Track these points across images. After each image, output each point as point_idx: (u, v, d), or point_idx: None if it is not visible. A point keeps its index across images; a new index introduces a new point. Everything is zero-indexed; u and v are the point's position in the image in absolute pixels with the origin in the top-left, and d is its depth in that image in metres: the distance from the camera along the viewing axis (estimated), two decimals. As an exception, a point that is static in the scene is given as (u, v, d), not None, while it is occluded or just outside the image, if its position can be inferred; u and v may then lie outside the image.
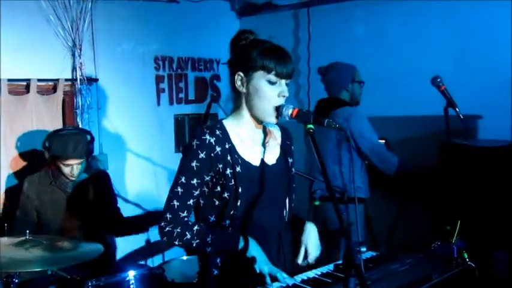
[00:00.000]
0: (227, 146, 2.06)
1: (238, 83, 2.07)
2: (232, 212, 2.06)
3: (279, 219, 2.22)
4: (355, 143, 3.54)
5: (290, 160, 2.27)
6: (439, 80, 2.88)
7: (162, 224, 2.04)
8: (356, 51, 4.34)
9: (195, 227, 2.04)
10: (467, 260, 2.19)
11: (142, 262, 4.14)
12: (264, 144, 2.18)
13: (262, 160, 2.14)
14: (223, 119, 2.18)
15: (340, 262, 2.11)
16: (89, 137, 3.37)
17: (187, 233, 2.02)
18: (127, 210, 4.41)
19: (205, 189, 2.09)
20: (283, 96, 2.06)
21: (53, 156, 3.26)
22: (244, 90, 2.07)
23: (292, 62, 2.09)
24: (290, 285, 1.98)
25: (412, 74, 4.04)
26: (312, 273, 2.09)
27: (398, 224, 3.97)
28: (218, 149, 2.04)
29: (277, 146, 2.23)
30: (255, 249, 2.05)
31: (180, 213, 2.03)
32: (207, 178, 2.05)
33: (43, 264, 2.42)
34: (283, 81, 2.07)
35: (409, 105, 4.01)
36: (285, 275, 2.02)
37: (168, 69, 4.77)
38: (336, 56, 4.38)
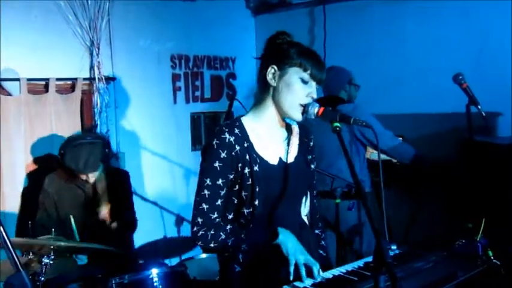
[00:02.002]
0: (246, 145, 2.06)
1: (270, 75, 2.07)
2: (249, 211, 2.06)
3: (299, 217, 2.22)
4: (362, 135, 3.55)
5: (309, 157, 2.26)
6: (461, 77, 2.87)
7: (195, 229, 2.03)
8: (373, 48, 4.34)
9: (228, 226, 2.04)
10: (492, 258, 2.18)
11: (160, 259, 4.16)
12: (288, 143, 2.18)
13: (281, 158, 2.14)
14: (242, 116, 2.16)
15: (369, 260, 2.11)
16: (104, 146, 3.36)
17: (221, 233, 2.01)
18: (144, 208, 4.46)
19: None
20: (312, 97, 2.07)
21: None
22: (274, 83, 2.07)
23: (325, 70, 2.12)
24: (323, 281, 1.96)
25: (429, 71, 4.03)
26: (337, 271, 2.09)
27: (414, 221, 3.95)
28: (238, 147, 2.03)
29: (296, 144, 2.22)
30: (290, 240, 2.04)
31: (210, 215, 2.03)
32: (231, 177, 2.05)
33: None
34: (314, 84, 2.08)
35: (426, 103, 4.00)
36: (318, 269, 2.00)
37: (184, 67, 4.79)
38: (352, 53, 4.40)
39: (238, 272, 2.09)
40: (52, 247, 2.52)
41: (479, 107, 2.79)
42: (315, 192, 2.36)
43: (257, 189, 2.03)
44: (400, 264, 2.12)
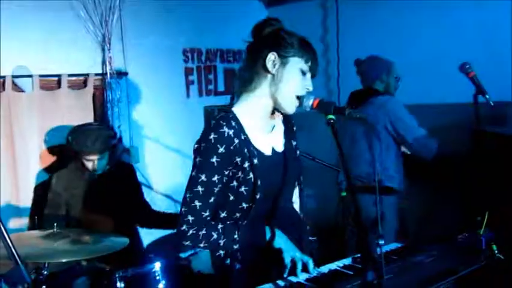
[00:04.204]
0: (243, 138, 1.98)
1: (270, 63, 2.00)
2: (248, 205, 2.00)
3: (291, 204, 2.21)
4: (393, 127, 3.51)
5: (294, 143, 2.22)
6: (467, 66, 2.80)
7: (184, 227, 1.93)
8: (385, 39, 4.29)
9: (219, 225, 1.97)
10: (496, 252, 2.12)
11: (172, 253, 4.17)
12: (279, 131, 2.16)
13: (273, 148, 2.10)
14: (232, 106, 2.07)
15: (358, 255, 2.09)
16: (110, 132, 3.40)
17: (213, 233, 1.94)
18: (158, 202, 4.48)
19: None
20: (307, 89, 2.04)
21: (74, 151, 3.32)
22: (273, 71, 2.01)
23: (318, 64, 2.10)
24: (318, 275, 1.95)
25: (442, 61, 3.97)
26: (334, 265, 2.07)
27: (430, 215, 3.89)
28: (236, 141, 1.95)
29: (283, 131, 2.19)
30: (282, 239, 2.02)
31: (202, 213, 1.94)
32: (226, 173, 1.96)
33: (69, 256, 2.46)
34: (309, 76, 2.05)
35: (438, 93, 3.95)
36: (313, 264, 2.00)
37: (197, 61, 4.79)
38: (365, 44, 4.35)
39: (238, 269, 2.04)
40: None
41: (486, 96, 2.72)
42: (301, 178, 2.30)
43: (259, 183, 1.97)
44: (400, 258, 2.10)
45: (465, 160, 3.11)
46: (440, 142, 3.45)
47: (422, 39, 4.15)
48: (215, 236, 1.95)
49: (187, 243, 1.95)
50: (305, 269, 1.99)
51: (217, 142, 1.92)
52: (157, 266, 2.66)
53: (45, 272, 2.50)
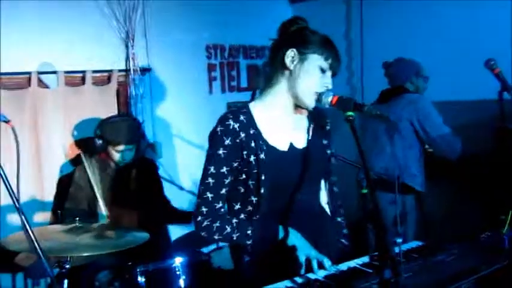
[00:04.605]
0: (252, 132, 2.03)
1: (289, 58, 2.03)
2: (256, 200, 2.03)
3: (316, 204, 2.20)
4: (420, 125, 3.49)
5: (325, 142, 2.22)
6: (492, 62, 2.74)
7: (199, 218, 2.01)
8: (410, 35, 4.23)
9: (234, 220, 2.02)
10: (519, 251, 2.09)
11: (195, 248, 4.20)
12: (303, 128, 2.15)
13: (292, 144, 2.10)
14: (250, 102, 2.13)
15: (375, 253, 2.06)
16: (138, 124, 3.44)
17: (227, 226, 2.00)
18: (180, 197, 4.51)
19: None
20: (326, 87, 2.04)
21: (104, 143, 3.36)
22: (292, 67, 2.03)
23: (340, 63, 2.10)
24: (337, 273, 1.94)
25: (467, 57, 3.89)
26: (353, 263, 2.05)
27: (452, 214, 3.84)
28: (242, 135, 2.00)
29: (310, 128, 2.18)
30: (296, 237, 2.03)
31: (215, 204, 2.01)
32: (235, 165, 2.02)
33: (92, 250, 2.50)
34: (329, 74, 2.05)
35: (463, 90, 3.89)
36: (330, 262, 1.99)
37: (220, 57, 4.79)
38: (389, 41, 4.31)
39: (247, 261, 2.08)
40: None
41: (512, 92, 2.67)
42: (334, 178, 2.31)
43: (263, 178, 2.00)
44: (420, 256, 2.07)
45: (489, 158, 3.07)
46: (463, 140, 3.41)
47: (447, 35, 4.09)
48: (229, 229, 2.00)
49: (203, 233, 2.03)
50: (321, 267, 1.98)
51: (223, 134, 2.00)
52: (177, 261, 2.68)
53: (68, 266, 2.54)
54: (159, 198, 3.69)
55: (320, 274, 1.94)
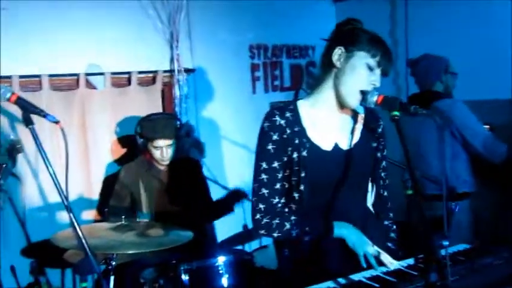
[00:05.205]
0: (296, 129, 2.03)
1: (336, 56, 2.02)
2: (298, 196, 2.03)
3: (361, 206, 2.17)
4: (459, 134, 3.40)
5: (374, 144, 2.18)
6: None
7: (258, 216, 2.02)
8: (457, 34, 4.12)
9: (293, 217, 2.02)
10: None
11: (240, 247, 4.22)
12: (350, 128, 2.14)
13: (336, 144, 2.09)
14: (299, 99, 2.13)
15: (421, 256, 2.03)
16: (177, 121, 3.47)
17: (286, 223, 2.01)
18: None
19: None
20: (373, 84, 2.01)
21: (144, 140, 3.41)
22: (339, 65, 2.02)
23: (392, 63, 2.07)
24: (381, 274, 1.92)
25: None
26: (397, 265, 2.02)
27: (501, 217, 3.73)
28: (288, 131, 2.02)
29: (358, 130, 2.16)
30: (354, 233, 2.02)
31: (271, 200, 2.02)
32: (285, 159, 2.03)
33: (137, 248, 2.54)
34: (379, 72, 2.02)
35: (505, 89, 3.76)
36: (390, 259, 1.99)
37: (263, 57, 4.80)
38: (435, 40, 4.21)
39: (287, 256, 2.08)
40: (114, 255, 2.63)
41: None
42: (386, 182, 2.27)
43: (302, 175, 2.00)
44: (467, 260, 2.02)
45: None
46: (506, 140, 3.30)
47: (496, 31, 3.96)
48: (288, 226, 2.01)
49: (262, 231, 2.04)
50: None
51: (270, 130, 2.02)
52: (221, 260, 2.70)
53: (114, 263, 2.60)
54: (204, 197, 3.71)
55: (364, 275, 1.92)
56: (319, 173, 2.04)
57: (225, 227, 4.22)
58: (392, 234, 2.33)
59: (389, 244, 2.30)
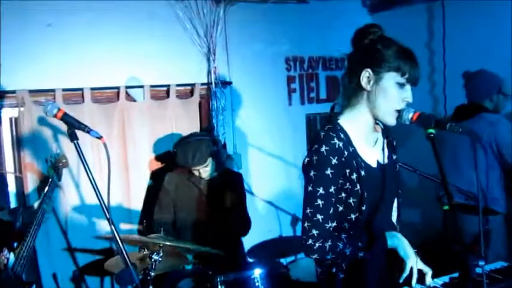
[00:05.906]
0: (351, 150, 2.01)
1: (365, 80, 2.00)
2: (356, 216, 2.02)
3: (391, 220, 2.18)
4: (498, 150, 3.37)
5: (394, 157, 2.22)
6: None
7: (310, 242, 1.97)
8: (496, 44, 4.05)
9: (343, 235, 1.99)
10: None
11: (274, 258, 4.23)
12: (379, 144, 2.15)
13: (378, 161, 2.10)
14: (337, 118, 2.09)
15: (455, 275, 2.01)
16: (210, 142, 3.50)
17: (338, 243, 1.97)
18: (260, 208, 4.58)
19: None
20: (406, 101, 2.00)
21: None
22: (369, 88, 2.01)
23: (419, 69, 2.01)
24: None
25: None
26: (433, 282, 2.01)
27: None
28: (346, 153, 1.98)
29: (384, 144, 2.18)
30: (406, 243, 1.99)
31: (326, 225, 1.97)
32: (341, 182, 1.99)
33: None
34: (409, 87, 2.01)
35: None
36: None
37: (299, 69, 4.83)
38: (473, 51, 4.16)
39: (341, 279, 2.05)
40: (160, 245, 2.69)
41: None
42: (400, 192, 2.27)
43: (365, 195, 1.99)
44: (506, 278, 2.00)
45: None
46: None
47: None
48: (341, 245, 1.97)
49: (314, 256, 1.99)
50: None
51: (330, 154, 1.96)
52: (256, 272, 2.73)
53: (152, 273, 2.65)
54: (241, 210, 3.74)
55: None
56: (373, 191, 2.04)
57: (259, 237, 4.25)
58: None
59: None
